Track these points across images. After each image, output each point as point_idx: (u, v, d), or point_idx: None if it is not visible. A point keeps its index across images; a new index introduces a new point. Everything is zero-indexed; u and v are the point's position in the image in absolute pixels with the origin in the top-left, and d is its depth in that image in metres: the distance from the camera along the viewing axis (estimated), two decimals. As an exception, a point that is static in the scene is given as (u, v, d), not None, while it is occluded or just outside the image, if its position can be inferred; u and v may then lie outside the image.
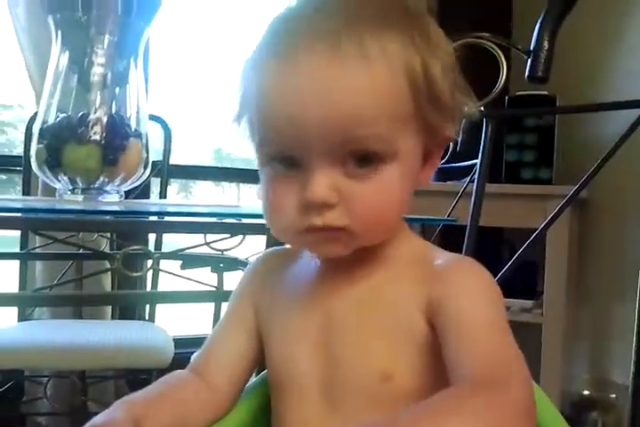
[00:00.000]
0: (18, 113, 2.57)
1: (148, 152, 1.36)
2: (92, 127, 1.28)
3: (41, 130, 1.30)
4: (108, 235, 1.90)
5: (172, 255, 1.56)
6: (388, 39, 0.52)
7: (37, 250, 1.88)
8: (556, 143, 2.21)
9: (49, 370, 1.88)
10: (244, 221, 1.25)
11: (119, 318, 1.99)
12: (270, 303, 0.62)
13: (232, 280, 1.52)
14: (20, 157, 1.89)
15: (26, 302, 1.56)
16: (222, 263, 1.50)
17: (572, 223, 2.12)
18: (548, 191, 2.02)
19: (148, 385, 0.59)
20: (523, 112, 2.10)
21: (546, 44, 0.92)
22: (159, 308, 1.92)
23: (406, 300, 0.55)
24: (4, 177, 2.45)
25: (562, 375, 2.10)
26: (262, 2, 2.55)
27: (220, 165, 2.87)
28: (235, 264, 1.45)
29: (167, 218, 1.40)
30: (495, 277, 0.57)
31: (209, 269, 1.53)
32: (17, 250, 1.88)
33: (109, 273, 1.94)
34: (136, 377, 1.88)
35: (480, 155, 1.13)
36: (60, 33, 1.32)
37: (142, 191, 1.88)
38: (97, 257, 1.82)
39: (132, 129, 1.34)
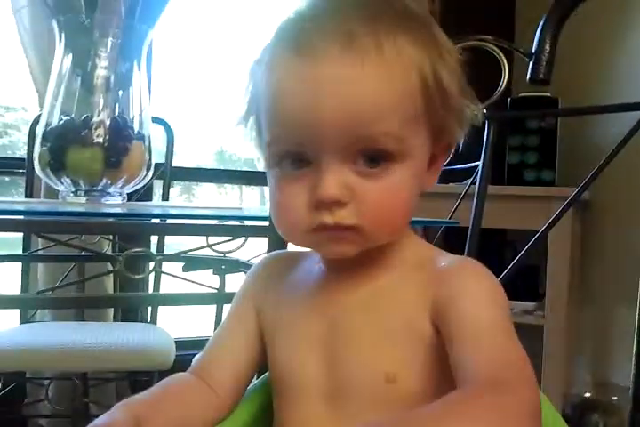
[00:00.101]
0: (21, 115, 2.58)
1: (150, 154, 1.36)
2: (95, 130, 1.28)
3: (44, 132, 1.30)
4: (111, 237, 1.90)
5: (175, 257, 1.56)
6: (402, 40, 0.53)
7: (40, 252, 1.88)
8: (559, 145, 2.21)
9: (51, 372, 1.88)
10: (247, 223, 1.25)
11: (121, 321, 2.00)
12: (274, 307, 0.62)
13: (234, 282, 1.53)
14: (23, 159, 1.90)
15: (28, 305, 1.57)
16: (224, 266, 1.50)
17: (575, 225, 2.12)
18: (551, 193, 2.02)
19: (150, 387, 0.59)
20: (525, 114, 2.10)
21: (547, 47, 0.92)
22: (161, 310, 1.92)
23: (411, 302, 0.55)
24: (6, 179, 2.45)
25: (563, 377, 2.10)
26: (265, 5, 2.55)
27: (222, 168, 2.87)
28: (237, 266, 1.45)
29: (169, 220, 1.40)
30: (497, 279, 0.57)
31: (211, 271, 1.53)
32: (19, 252, 1.88)
33: (112, 275, 1.94)
34: (138, 379, 1.88)
35: (482, 156, 1.13)
36: (63, 35, 1.32)
37: (145, 193, 1.89)
38: (99, 259, 1.82)
39: (135, 131, 1.34)
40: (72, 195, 1.31)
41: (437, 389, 0.53)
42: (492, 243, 2.37)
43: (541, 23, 0.94)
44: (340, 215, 0.53)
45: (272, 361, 0.61)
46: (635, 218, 2.16)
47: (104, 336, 1.56)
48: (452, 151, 0.61)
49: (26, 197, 1.86)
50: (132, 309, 2.04)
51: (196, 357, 0.64)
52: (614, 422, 2.08)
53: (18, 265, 1.87)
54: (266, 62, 0.56)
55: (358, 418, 0.55)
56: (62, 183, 1.31)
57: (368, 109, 0.52)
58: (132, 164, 1.32)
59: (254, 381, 0.66)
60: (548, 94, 2.14)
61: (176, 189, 2.70)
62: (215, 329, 0.66)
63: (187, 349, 1.57)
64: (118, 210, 1.31)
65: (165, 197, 2.00)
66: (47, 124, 1.31)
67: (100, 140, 1.28)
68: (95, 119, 1.30)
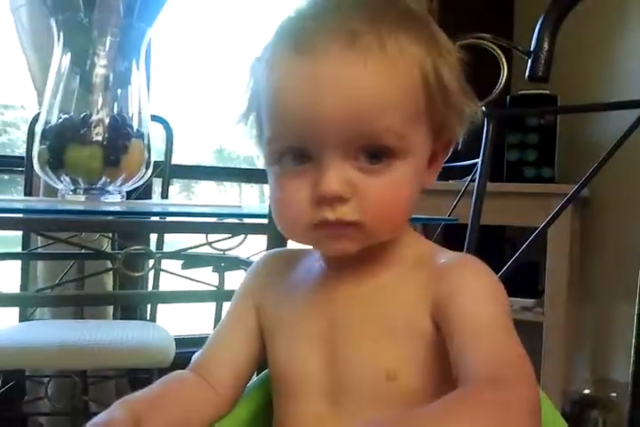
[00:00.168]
0: (20, 113, 2.57)
1: (149, 152, 1.36)
2: (94, 128, 1.28)
3: (43, 130, 1.30)
4: (110, 235, 1.90)
5: (174, 255, 1.57)
6: (404, 39, 0.53)
7: (39, 250, 1.88)
8: (558, 142, 2.21)
9: (50, 370, 1.88)
10: (246, 220, 1.25)
11: (121, 318, 2.00)
12: (274, 304, 0.62)
13: (233, 280, 1.53)
14: (23, 157, 1.90)
15: (27, 303, 1.57)
16: (224, 263, 1.51)
17: (574, 222, 2.12)
18: (550, 190, 2.03)
19: (150, 385, 0.59)
20: (524, 111, 2.10)
21: (546, 45, 0.93)
22: (160, 308, 1.92)
23: (411, 299, 0.56)
24: (6, 177, 2.45)
25: (563, 374, 2.10)
26: (263, 4, 2.55)
27: (221, 165, 2.87)
28: (236, 264, 1.45)
29: (169, 218, 1.40)
30: (497, 276, 0.58)
31: (210, 268, 1.54)
32: (19, 250, 1.88)
33: (111, 273, 1.94)
34: (137, 377, 1.88)
35: (481, 154, 1.13)
36: (62, 34, 1.32)
37: (144, 191, 1.89)
38: (98, 257, 1.82)
39: (134, 129, 1.34)
40: (71, 193, 1.31)
41: (438, 386, 0.53)
42: (492, 240, 2.38)
43: (540, 21, 0.94)
44: (341, 211, 0.53)
45: (272, 359, 0.61)
46: (634, 215, 2.16)
47: (103, 334, 1.56)
48: (452, 149, 0.61)
49: (25, 195, 1.86)
50: (131, 306, 2.04)
51: (196, 354, 0.64)
52: (613, 419, 2.09)
53: (17, 263, 1.87)
54: (267, 60, 0.56)
55: (359, 416, 0.55)
56: (61, 181, 1.31)
57: (370, 106, 0.52)
58: (132, 162, 1.32)
59: (254, 378, 0.66)
60: (547, 92, 2.14)
61: (175, 186, 2.70)
62: (215, 327, 0.66)
63: (186, 346, 1.57)
64: (117, 208, 1.31)
65: (165, 195, 2.00)
66: (46, 123, 1.31)
67: (99, 138, 1.28)
68: (94, 117, 1.30)
